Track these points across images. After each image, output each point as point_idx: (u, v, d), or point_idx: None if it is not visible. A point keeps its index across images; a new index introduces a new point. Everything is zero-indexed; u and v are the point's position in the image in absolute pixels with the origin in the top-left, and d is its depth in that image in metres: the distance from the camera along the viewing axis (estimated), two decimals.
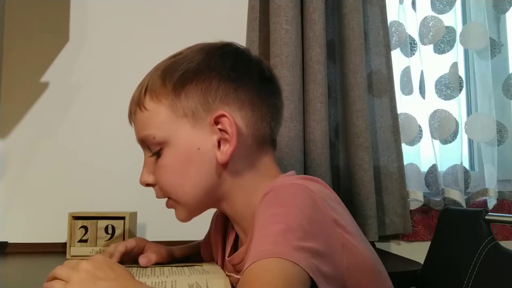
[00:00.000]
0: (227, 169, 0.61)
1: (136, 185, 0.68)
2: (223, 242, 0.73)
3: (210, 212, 0.73)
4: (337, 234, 0.53)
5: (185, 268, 0.68)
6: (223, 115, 0.59)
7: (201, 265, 0.71)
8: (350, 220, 0.58)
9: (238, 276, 0.59)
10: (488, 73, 1.27)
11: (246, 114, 0.61)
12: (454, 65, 1.26)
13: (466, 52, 1.41)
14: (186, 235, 0.88)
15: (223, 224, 0.74)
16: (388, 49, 1.21)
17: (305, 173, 1.08)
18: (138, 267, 0.70)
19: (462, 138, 1.27)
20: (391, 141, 1.19)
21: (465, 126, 1.28)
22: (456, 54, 1.27)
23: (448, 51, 1.28)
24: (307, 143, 1.10)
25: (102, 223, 0.97)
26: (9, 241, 1.11)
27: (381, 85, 1.21)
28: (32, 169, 1.15)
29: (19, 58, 1.17)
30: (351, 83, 1.13)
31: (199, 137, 0.60)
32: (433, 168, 1.26)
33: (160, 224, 1.07)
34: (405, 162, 1.20)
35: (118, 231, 0.97)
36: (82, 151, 1.16)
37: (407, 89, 1.26)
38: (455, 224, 0.77)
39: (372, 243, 1.13)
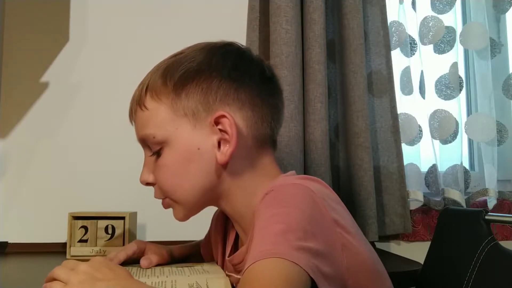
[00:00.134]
0: (227, 169, 0.61)
1: (136, 185, 0.68)
2: (223, 242, 0.73)
3: (210, 212, 0.73)
4: (337, 234, 0.53)
5: (185, 268, 0.68)
6: (224, 116, 0.59)
7: (201, 265, 0.71)
8: (350, 220, 0.58)
9: (238, 276, 0.59)
10: (488, 73, 1.27)
11: (247, 114, 0.61)
12: (454, 65, 1.26)
13: (466, 52, 1.41)
14: (186, 235, 0.88)
15: (223, 224, 0.74)
16: (388, 49, 1.21)
17: (305, 173, 1.08)
18: (138, 267, 0.70)
19: (462, 138, 1.27)
20: (391, 141, 1.19)
21: (465, 126, 1.28)
22: (456, 54, 1.27)
23: (448, 51, 1.29)
24: (307, 143, 1.10)
25: (102, 223, 0.97)
26: (9, 241, 1.11)
27: (381, 85, 1.21)
28: (32, 169, 1.15)
29: (19, 58, 1.17)
30: (351, 83, 1.13)
31: (199, 137, 0.60)
32: (433, 168, 1.26)
33: (160, 224, 1.07)
34: (405, 162, 1.20)
35: (118, 231, 0.97)
36: (82, 151, 1.16)
37: (407, 89, 1.26)
38: (455, 224, 0.77)
39: (372, 243, 1.13)
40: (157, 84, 0.61)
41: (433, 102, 1.28)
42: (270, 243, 0.47)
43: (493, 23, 1.36)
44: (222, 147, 0.60)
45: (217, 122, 0.59)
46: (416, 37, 1.29)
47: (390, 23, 1.25)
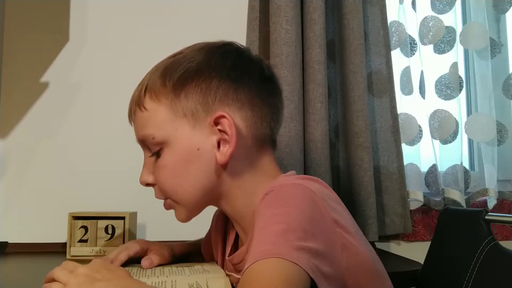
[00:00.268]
0: (227, 169, 0.61)
1: (136, 185, 0.68)
2: (223, 242, 0.73)
3: (210, 212, 0.73)
4: (337, 234, 0.53)
5: (185, 268, 0.68)
6: (223, 116, 0.59)
7: (201, 265, 0.71)
8: (350, 220, 0.58)
9: (238, 276, 0.59)
10: (488, 73, 1.27)
11: (246, 115, 0.61)
12: (454, 65, 1.26)
13: (466, 52, 1.41)
14: (186, 235, 0.88)
15: (224, 224, 0.74)
16: (388, 49, 1.21)
17: (305, 173, 1.08)
18: (138, 267, 0.70)
19: (462, 138, 1.27)
20: (391, 141, 1.19)
21: (465, 126, 1.28)
22: (456, 54, 1.27)
23: (448, 51, 1.28)
24: (307, 143, 1.10)
25: (102, 223, 0.97)
26: (9, 241, 1.11)
27: (381, 85, 1.21)
28: (32, 169, 1.15)
29: (19, 58, 1.17)
30: (351, 83, 1.13)
31: (198, 137, 0.60)
32: (433, 168, 1.26)
33: (160, 224, 1.07)
34: (405, 162, 1.20)
35: (118, 231, 0.97)
36: (82, 151, 1.16)
37: (407, 89, 1.26)
38: (455, 224, 0.77)
39: (372, 243, 1.13)
40: (156, 84, 0.61)
41: (433, 102, 1.28)
42: (270, 243, 0.47)
43: (493, 23, 1.36)
44: (221, 147, 0.60)
45: (216, 122, 0.59)
46: (416, 37, 1.29)
47: (390, 23, 1.25)
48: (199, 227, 0.81)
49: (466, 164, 1.37)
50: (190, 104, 0.60)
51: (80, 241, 0.96)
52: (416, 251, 1.15)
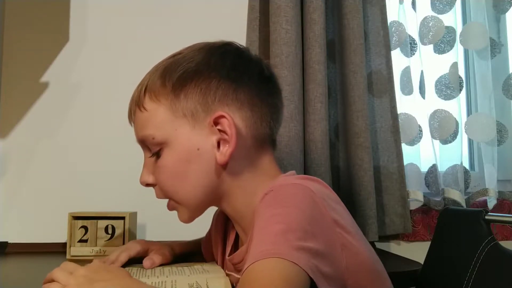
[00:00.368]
0: (227, 169, 0.61)
1: (136, 185, 0.68)
2: (224, 241, 0.73)
3: (211, 212, 0.73)
4: (337, 234, 0.53)
5: (185, 268, 0.68)
6: (223, 116, 0.59)
7: (201, 265, 0.71)
8: (350, 220, 0.58)
9: (239, 276, 0.59)
10: (488, 73, 1.27)
11: (246, 114, 0.61)
12: (454, 65, 1.26)
13: (466, 52, 1.41)
14: (186, 235, 0.88)
15: (224, 223, 0.74)
16: (388, 49, 1.21)
17: (305, 173, 1.08)
18: (138, 267, 0.70)
19: (462, 138, 1.27)
20: (391, 141, 1.19)
21: (465, 126, 1.28)
22: (456, 54, 1.27)
23: (448, 51, 1.29)
24: (307, 143, 1.10)
25: (102, 223, 0.97)
26: (9, 241, 1.11)
27: (381, 85, 1.21)
28: (32, 169, 1.15)
29: (19, 58, 1.17)
30: (351, 83, 1.13)
31: (198, 137, 0.60)
32: (433, 168, 1.26)
33: (160, 224, 1.07)
34: (405, 162, 1.20)
35: (118, 231, 0.97)
36: (82, 151, 1.16)
37: (407, 89, 1.26)
38: (455, 224, 0.77)
39: (372, 243, 1.13)
40: (155, 85, 0.61)
41: (433, 102, 1.28)
42: (270, 243, 0.47)
43: (493, 23, 1.36)
44: (221, 147, 0.60)
45: (216, 122, 0.59)
46: (416, 37, 1.29)
47: (390, 23, 1.25)
48: (199, 227, 0.81)
49: (466, 164, 1.37)
50: (189, 104, 0.60)
51: (80, 241, 0.96)
52: (416, 251, 1.15)
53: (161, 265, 0.71)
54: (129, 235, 0.96)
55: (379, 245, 1.21)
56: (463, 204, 1.22)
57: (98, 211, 0.99)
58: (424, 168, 1.28)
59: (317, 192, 0.54)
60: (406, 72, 1.26)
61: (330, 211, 0.54)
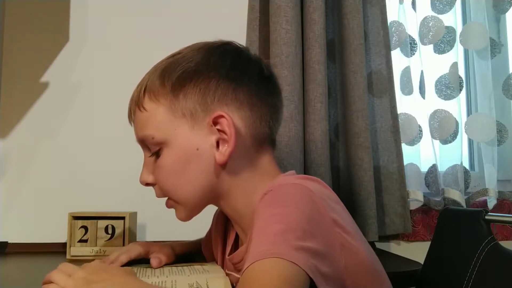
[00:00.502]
0: (226, 169, 0.61)
1: (136, 185, 0.68)
2: (224, 241, 0.73)
3: (211, 211, 0.73)
4: (336, 234, 0.53)
5: (185, 268, 0.69)
6: (222, 116, 0.59)
7: (201, 265, 0.71)
8: (350, 220, 0.58)
9: (239, 275, 0.59)
10: (488, 73, 1.27)
11: (245, 114, 0.61)
12: (454, 65, 1.26)
13: (466, 52, 1.41)
14: (186, 235, 0.88)
15: (224, 223, 0.74)
16: (388, 49, 1.21)
17: (305, 173, 1.08)
18: (138, 267, 0.70)
19: (462, 138, 1.27)
20: (391, 141, 1.19)
21: (465, 126, 1.28)
22: (456, 54, 1.27)
23: (448, 51, 1.28)
24: (307, 143, 1.10)
25: (102, 223, 0.97)
26: (9, 241, 1.11)
27: (381, 85, 1.21)
28: (32, 169, 1.15)
29: (19, 58, 1.17)
30: (351, 83, 1.13)
31: (197, 137, 0.60)
32: (433, 168, 1.26)
33: (160, 224, 1.07)
34: (405, 162, 1.20)
35: (118, 231, 0.97)
36: (82, 151, 1.16)
37: (407, 89, 1.26)
38: (455, 224, 0.77)
39: (372, 243, 1.13)
40: (155, 85, 0.61)
41: (433, 102, 1.28)
42: (269, 243, 0.47)
43: (493, 23, 1.36)
44: (220, 147, 0.60)
45: (215, 122, 0.59)
46: (416, 37, 1.29)
47: (390, 23, 1.25)
48: (199, 226, 0.81)
49: (466, 164, 1.37)
50: (189, 104, 0.60)
51: (80, 241, 0.96)
52: (416, 251, 1.15)
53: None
54: (129, 235, 0.96)
55: (379, 245, 1.21)
56: (463, 204, 1.22)
57: (98, 211, 0.99)
58: (424, 168, 1.28)
59: (316, 192, 0.54)
60: (406, 72, 1.26)
61: (329, 211, 0.54)
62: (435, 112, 1.27)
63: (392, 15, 1.27)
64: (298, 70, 1.10)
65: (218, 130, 0.59)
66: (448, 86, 1.28)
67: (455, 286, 0.69)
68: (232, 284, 0.59)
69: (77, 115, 1.17)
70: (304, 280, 0.45)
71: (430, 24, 1.28)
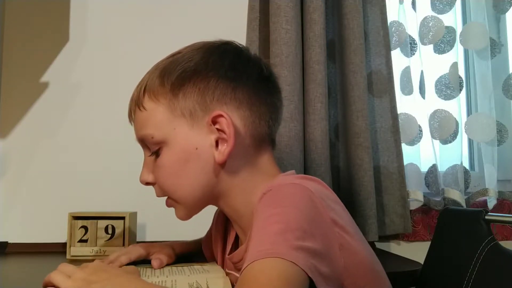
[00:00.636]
0: (225, 168, 0.61)
1: (136, 185, 0.68)
2: (224, 240, 0.73)
3: (210, 211, 0.73)
4: (335, 234, 0.53)
5: (185, 267, 0.69)
6: (221, 115, 0.59)
7: (201, 265, 0.71)
8: (349, 220, 0.58)
9: (238, 275, 0.59)
10: (488, 73, 1.27)
11: (244, 114, 0.61)
12: (454, 65, 1.26)
13: (466, 52, 1.41)
14: (186, 235, 0.88)
15: (224, 222, 0.74)
16: (388, 49, 1.21)
17: (305, 173, 1.07)
18: (138, 267, 0.70)
19: (462, 138, 1.27)
20: (391, 141, 1.19)
21: (465, 126, 1.28)
22: (456, 54, 1.27)
23: (448, 51, 1.28)
24: (307, 143, 1.10)
25: (102, 223, 0.97)
26: (9, 241, 1.11)
27: (381, 85, 1.21)
28: (32, 169, 1.15)
29: (19, 58, 1.17)
30: (351, 83, 1.13)
31: (196, 137, 0.60)
32: (433, 168, 1.26)
33: (160, 224, 1.07)
34: (405, 162, 1.20)
35: (118, 231, 0.97)
36: (82, 151, 1.16)
37: (407, 89, 1.26)
38: (455, 224, 0.77)
39: (372, 243, 1.13)
40: (154, 84, 0.61)
41: (433, 102, 1.28)
42: (268, 243, 0.47)
43: (493, 23, 1.36)
44: (220, 146, 0.60)
45: (214, 121, 0.59)
46: (416, 37, 1.29)
47: (390, 23, 1.25)
48: (199, 226, 0.81)
49: (466, 164, 1.37)
50: (188, 104, 0.60)
51: (80, 241, 0.96)
52: (416, 251, 1.15)
53: None
54: (129, 235, 0.96)
55: (379, 245, 1.21)
56: (463, 204, 1.22)
57: (98, 211, 0.99)
58: (424, 168, 1.28)
59: (315, 192, 0.54)
60: (406, 72, 1.26)
61: (328, 211, 0.54)
62: (435, 112, 1.27)
63: (392, 15, 1.27)
64: (298, 70, 1.10)
65: (217, 129, 0.59)
66: (448, 86, 1.28)
67: (455, 286, 0.69)
68: (232, 284, 0.59)
69: (77, 115, 1.17)
70: (303, 280, 0.45)
71: (430, 24, 1.28)
